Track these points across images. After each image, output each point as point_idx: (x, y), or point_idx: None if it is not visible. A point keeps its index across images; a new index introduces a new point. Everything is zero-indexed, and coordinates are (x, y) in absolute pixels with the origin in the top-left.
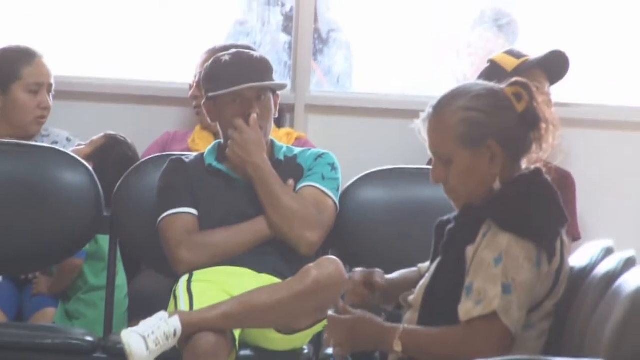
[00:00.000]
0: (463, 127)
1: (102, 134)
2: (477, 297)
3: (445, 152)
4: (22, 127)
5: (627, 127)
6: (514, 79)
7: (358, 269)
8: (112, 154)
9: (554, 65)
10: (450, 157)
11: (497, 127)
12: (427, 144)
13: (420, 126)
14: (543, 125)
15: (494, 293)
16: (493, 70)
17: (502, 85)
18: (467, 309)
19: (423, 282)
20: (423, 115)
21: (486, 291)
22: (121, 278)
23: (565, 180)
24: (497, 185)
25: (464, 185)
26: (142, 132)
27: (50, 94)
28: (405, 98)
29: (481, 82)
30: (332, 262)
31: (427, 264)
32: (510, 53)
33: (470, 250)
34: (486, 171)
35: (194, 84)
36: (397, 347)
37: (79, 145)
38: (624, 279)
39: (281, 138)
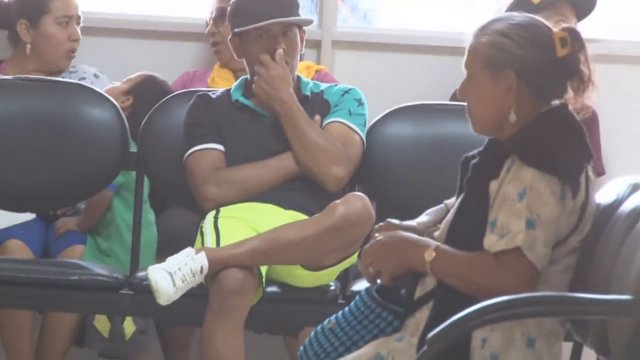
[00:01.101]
0: (490, 49)
1: (139, 73)
2: (500, 232)
3: (472, 68)
4: (52, 62)
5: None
6: (568, 26)
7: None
8: (149, 92)
9: (582, 1)
10: (474, 75)
11: (522, 61)
12: None
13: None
14: (585, 79)
15: (518, 228)
16: (519, 3)
17: (554, 26)
18: (491, 242)
19: (448, 218)
20: (472, 30)
21: (509, 226)
22: (150, 215)
23: (589, 116)
24: (512, 118)
25: (479, 108)
26: (162, 68)
27: (78, 27)
28: (430, 34)
29: (530, 15)
30: (359, 199)
31: (453, 199)
32: None
33: (494, 185)
34: (501, 100)
35: (211, 20)
36: (429, 256)
37: (114, 83)
38: None
39: (300, 71)
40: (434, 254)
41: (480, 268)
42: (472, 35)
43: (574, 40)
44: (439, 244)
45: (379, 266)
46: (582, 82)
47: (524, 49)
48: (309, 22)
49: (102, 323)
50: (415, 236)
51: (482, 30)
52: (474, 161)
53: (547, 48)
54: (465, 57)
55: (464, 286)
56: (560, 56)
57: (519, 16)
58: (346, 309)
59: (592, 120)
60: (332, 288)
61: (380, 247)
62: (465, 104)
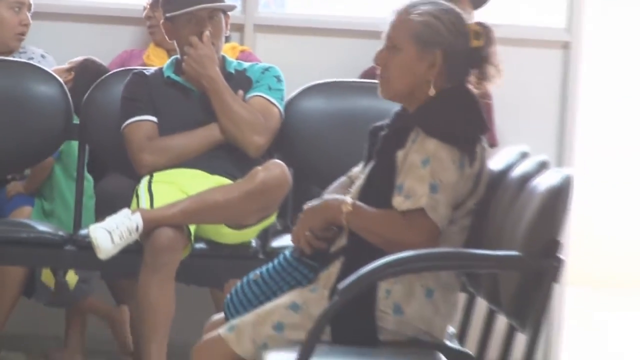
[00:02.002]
0: (423, 27)
1: (80, 57)
2: (406, 194)
3: (399, 40)
4: (4, 43)
5: (540, 44)
6: (482, 22)
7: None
8: (87, 72)
9: None
10: (400, 46)
11: (448, 44)
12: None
13: (389, 17)
14: (489, 72)
15: (422, 191)
16: None
17: (468, 18)
18: (398, 202)
19: (359, 184)
20: (396, 8)
21: (415, 189)
22: (87, 180)
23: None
24: (432, 92)
25: (398, 77)
26: (101, 51)
27: (29, 13)
28: (341, 19)
29: (451, 4)
30: (278, 165)
31: (357, 169)
32: None
33: (400, 154)
34: (422, 74)
35: (148, 6)
36: (345, 208)
37: (59, 66)
38: (537, 180)
39: (226, 51)
40: (350, 207)
41: (388, 223)
42: (398, 12)
43: (487, 35)
44: (354, 201)
45: (309, 226)
46: (485, 73)
47: (451, 33)
48: (232, 8)
49: (47, 277)
50: (333, 195)
51: (413, 8)
52: (382, 133)
53: (466, 37)
54: (392, 26)
55: (374, 238)
56: (473, 47)
57: (444, 4)
58: (269, 264)
59: (487, 97)
60: (253, 245)
61: (307, 210)
62: (372, 81)
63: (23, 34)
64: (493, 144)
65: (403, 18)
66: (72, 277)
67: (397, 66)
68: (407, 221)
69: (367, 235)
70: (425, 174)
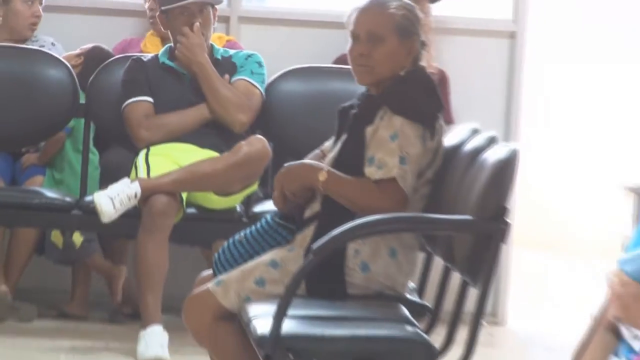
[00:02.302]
0: (403, 19)
1: (90, 44)
2: (378, 165)
3: (381, 32)
4: (18, 32)
5: (490, 34)
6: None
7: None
8: (96, 57)
9: None
10: (383, 38)
11: (419, 34)
12: (353, 27)
13: (352, 13)
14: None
15: (393, 163)
16: None
17: (428, 11)
18: (371, 172)
19: (332, 156)
20: (360, 5)
21: (386, 161)
22: (93, 153)
23: (441, 77)
24: (402, 73)
25: (382, 64)
26: (103, 40)
27: (41, 6)
28: (316, 12)
29: None
30: (259, 140)
31: (328, 143)
32: None
33: (369, 130)
34: (401, 60)
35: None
36: (322, 176)
37: (70, 52)
38: (487, 153)
39: (214, 40)
40: (326, 175)
41: (362, 190)
42: (373, 8)
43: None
44: (330, 168)
45: (286, 188)
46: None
47: (419, 25)
48: (220, 2)
49: (56, 237)
50: (312, 161)
51: (388, 3)
52: (353, 111)
53: (421, 27)
54: (369, 21)
55: (348, 203)
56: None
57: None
58: (252, 227)
59: (443, 81)
60: (238, 210)
61: (286, 172)
62: (343, 66)
63: (35, 24)
64: (449, 121)
65: (382, 12)
66: (77, 238)
67: (381, 55)
68: (379, 189)
69: (342, 200)
70: (394, 147)
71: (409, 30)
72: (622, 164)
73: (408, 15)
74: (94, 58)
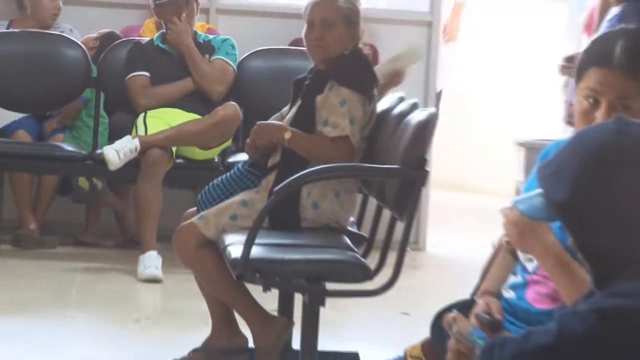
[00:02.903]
0: (349, 12)
1: (106, 30)
2: (333, 126)
3: (333, 20)
4: (43, 20)
5: (411, 23)
6: None
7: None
8: (109, 40)
9: None
10: (334, 25)
11: (359, 23)
12: (309, 16)
13: (308, 5)
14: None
15: (344, 124)
16: None
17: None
18: (327, 131)
19: (289, 117)
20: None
21: (339, 122)
22: (103, 117)
23: (373, 51)
24: (346, 52)
25: (333, 45)
26: (109, 26)
27: (61, 0)
28: (278, 5)
29: None
30: (232, 106)
31: (286, 108)
32: None
33: (319, 98)
34: (347, 42)
35: None
36: (287, 135)
37: (89, 35)
38: (410, 116)
39: (197, 28)
40: (290, 134)
41: (321, 145)
42: (318, 2)
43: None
44: (293, 128)
45: (257, 141)
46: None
47: (360, 16)
48: None
49: (83, 182)
50: (278, 122)
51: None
52: (306, 82)
53: None
54: (323, 11)
55: (308, 155)
56: None
57: None
58: (227, 174)
59: (375, 55)
60: (216, 160)
61: (258, 128)
62: (298, 47)
63: (56, 15)
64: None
65: (332, 4)
66: (99, 182)
67: (333, 38)
68: (335, 144)
69: (303, 153)
70: (344, 111)
71: (352, 20)
72: (519, 118)
73: (352, 8)
74: (109, 40)
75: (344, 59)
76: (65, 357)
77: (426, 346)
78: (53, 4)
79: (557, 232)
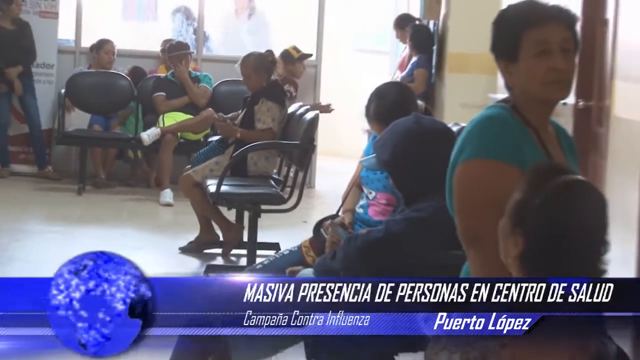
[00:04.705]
0: (255, 63)
1: (132, 66)
2: (263, 122)
3: (247, 72)
4: (105, 65)
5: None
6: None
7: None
8: (137, 71)
9: None
10: (249, 75)
11: (268, 65)
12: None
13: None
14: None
15: (269, 121)
16: None
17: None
18: (259, 126)
19: (240, 117)
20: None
21: (265, 120)
22: (140, 117)
23: (294, 85)
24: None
25: (254, 83)
26: (143, 66)
27: (114, 56)
28: (234, 56)
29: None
30: (209, 111)
31: (239, 112)
32: None
33: (256, 107)
34: (261, 80)
35: (163, 48)
36: (238, 134)
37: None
38: (305, 115)
39: (190, 68)
40: (239, 134)
41: (258, 135)
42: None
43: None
44: (241, 129)
45: (222, 133)
46: None
47: (270, 59)
48: (192, 52)
49: (131, 154)
50: (232, 127)
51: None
52: (248, 98)
53: None
54: (243, 67)
55: (250, 140)
56: None
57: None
58: (207, 147)
59: (295, 85)
60: (201, 140)
61: (222, 126)
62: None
63: (113, 61)
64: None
65: (245, 61)
66: (139, 152)
67: (251, 82)
68: (264, 132)
69: (247, 139)
70: (269, 114)
71: (259, 66)
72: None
73: (257, 58)
74: (137, 71)
75: (266, 87)
76: (123, 246)
77: (311, 241)
78: (110, 57)
79: (383, 179)
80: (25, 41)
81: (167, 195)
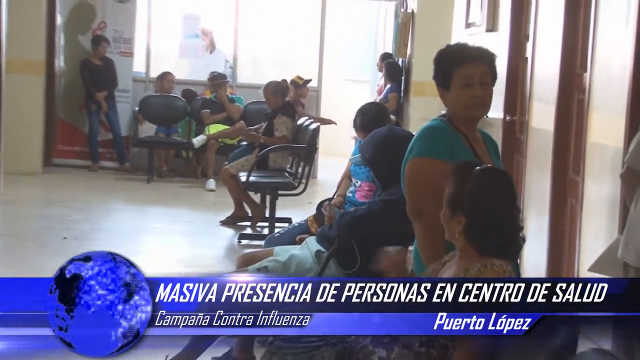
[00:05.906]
0: (272, 89)
1: (185, 88)
2: (279, 131)
3: (267, 95)
4: (167, 90)
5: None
6: None
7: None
8: (189, 93)
9: None
10: (269, 97)
11: (283, 90)
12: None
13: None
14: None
15: (284, 130)
16: None
17: None
18: (277, 134)
19: (263, 128)
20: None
21: (282, 130)
22: (192, 129)
23: (302, 104)
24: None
25: (273, 103)
26: (194, 88)
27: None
28: (259, 83)
29: None
30: (241, 123)
31: (263, 124)
32: None
33: (275, 120)
34: (278, 101)
35: (210, 77)
36: (262, 140)
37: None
38: (310, 125)
39: (228, 92)
40: (262, 140)
41: (273, 139)
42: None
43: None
44: (264, 136)
45: (248, 139)
46: None
47: (284, 86)
48: (229, 80)
49: (184, 153)
50: (257, 134)
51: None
52: (269, 114)
53: None
54: (265, 92)
55: (269, 143)
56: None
57: None
58: (238, 150)
59: (302, 105)
60: (235, 144)
61: (248, 133)
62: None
63: (172, 87)
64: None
65: (266, 89)
66: (192, 153)
67: (272, 102)
68: (279, 138)
69: (268, 143)
70: (284, 126)
71: (276, 91)
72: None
73: (274, 85)
74: (189, 92)
75: (282, 106)
76: (179, 220)
77: (315, 217)
78: (171, 84)
79: (366, 172)
80: (109, 73)
81: (211, 183)
